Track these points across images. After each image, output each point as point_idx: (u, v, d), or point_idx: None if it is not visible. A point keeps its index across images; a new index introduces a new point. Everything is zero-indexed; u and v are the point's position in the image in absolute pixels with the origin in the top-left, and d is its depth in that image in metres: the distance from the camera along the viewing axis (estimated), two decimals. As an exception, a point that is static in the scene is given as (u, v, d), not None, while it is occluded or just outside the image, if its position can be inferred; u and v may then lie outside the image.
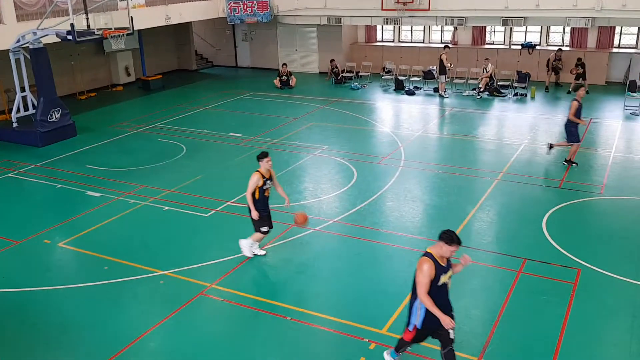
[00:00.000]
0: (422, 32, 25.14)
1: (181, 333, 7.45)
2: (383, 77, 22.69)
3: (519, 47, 22.87)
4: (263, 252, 9.28)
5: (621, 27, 21.60)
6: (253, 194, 8.68)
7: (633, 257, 8.96)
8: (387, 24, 22.87)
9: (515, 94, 20.16)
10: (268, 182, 8.78)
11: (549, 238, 9.63)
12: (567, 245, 9.34)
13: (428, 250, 5.88)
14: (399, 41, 25.76)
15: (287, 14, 23.90)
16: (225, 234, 10.17)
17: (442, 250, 5.79)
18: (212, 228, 10.47)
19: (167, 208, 11.31)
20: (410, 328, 6.08)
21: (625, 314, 7.55)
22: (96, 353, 7.08)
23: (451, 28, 23.85)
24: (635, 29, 21.60)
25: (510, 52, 22.91)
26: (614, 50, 21.76)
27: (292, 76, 22.66)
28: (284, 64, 22.93)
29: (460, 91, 20.95)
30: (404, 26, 24.69)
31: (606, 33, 21.71)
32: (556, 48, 21.88)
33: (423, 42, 25.18)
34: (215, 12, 23.78)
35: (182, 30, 26.31)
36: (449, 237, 5.75)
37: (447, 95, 20.29)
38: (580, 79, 19.79)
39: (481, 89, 20.19)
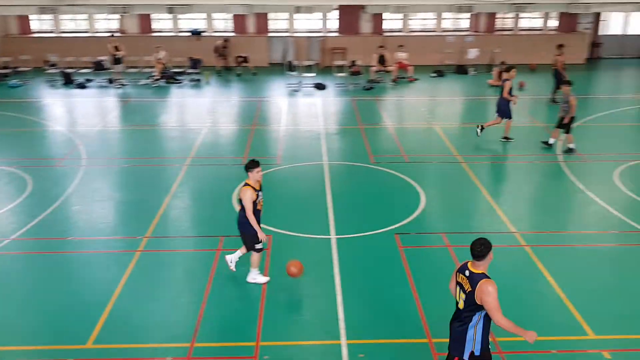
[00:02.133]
0: (87, 21, 23.61)
1: None
2: (48, 72, 20.61)
3: (188, 34, 23.43)
4: (267, 279, 8.03)
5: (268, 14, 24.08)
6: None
7: (313, 217, 10.15)
8: (42, 13, 20.71)
9: (191, 80, 20.67)
10: (260, 193, 7.62)
11: (240, 213, 10.25)
12: (256, 216, 10.08)
13: (482, 271, 5.09)
14: (61, 31, 23.71)
15: None
16: None
17: (489, 261, 5.15)
18: None
19: None
20: (466, 357, 5.23)
21: (323, 265, 8.46)
22: None
23: (117, 16, 22.99)
24: (286, 15, 24.25)
25: (179, 39, 23.30)
26: (271, 34, 24.08)
27: None
28: None
29: (136, 81, 20.47)
30: (64, 15, 22.78)
31: (263, 19, 23.83)
32: (222, 35, 23.17)
33: (88, 32, 23.69)
34: None
35: None
36: (489, 243, 5.12)
37: (120, 86, 19.56)
38: (243, 63, 21.83)
39: (156, 77, 20.09)
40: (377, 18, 23.95)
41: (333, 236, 9.32)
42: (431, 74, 21.80)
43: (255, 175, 7.53)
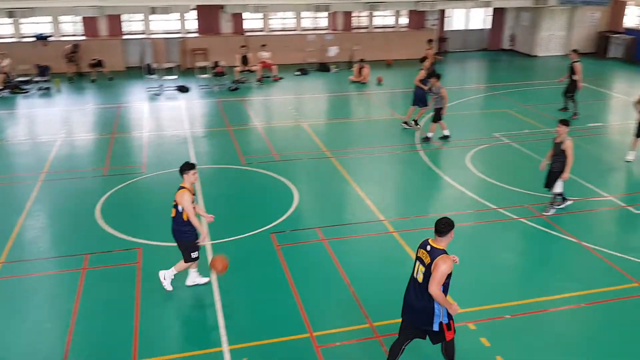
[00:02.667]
0: None
1: None
2: None
3: (33, 39, 21.59)
4: (207, 279, 7.98)
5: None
6: (182, 214, 7.34)
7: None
8: None
9: (40, 89, 19.08)
10: (194, 197, 7.50)
11: (106, 227, 9.66)
12: (124, 229, 9.57)
13: (443, 247, 5.47)
14: None
15: None
16: None
17: (450, 239, 5.51)
18: None
19: None
20: (436, 327, 5.60)
21: (200, 273, 8.19)
22: None
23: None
24: (141, 16, 23.24)
25: (23, 45, 21.40)
26: (126, 36, 22.95)
27: None
28: None
29: (-26, 92, 18.49)
30: None
31: (116, 21, 22.62)
32: (71, 39, 21.67)
33: None
34: None
35: None
36: (452, 222, 5.48)
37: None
38: (97, 68, 20.66)
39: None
40: (237, 18, 23.79)
41: (208, 242, 9.11)
42: (295, 72, 22.13)
43: (190, 178, 7.44)
